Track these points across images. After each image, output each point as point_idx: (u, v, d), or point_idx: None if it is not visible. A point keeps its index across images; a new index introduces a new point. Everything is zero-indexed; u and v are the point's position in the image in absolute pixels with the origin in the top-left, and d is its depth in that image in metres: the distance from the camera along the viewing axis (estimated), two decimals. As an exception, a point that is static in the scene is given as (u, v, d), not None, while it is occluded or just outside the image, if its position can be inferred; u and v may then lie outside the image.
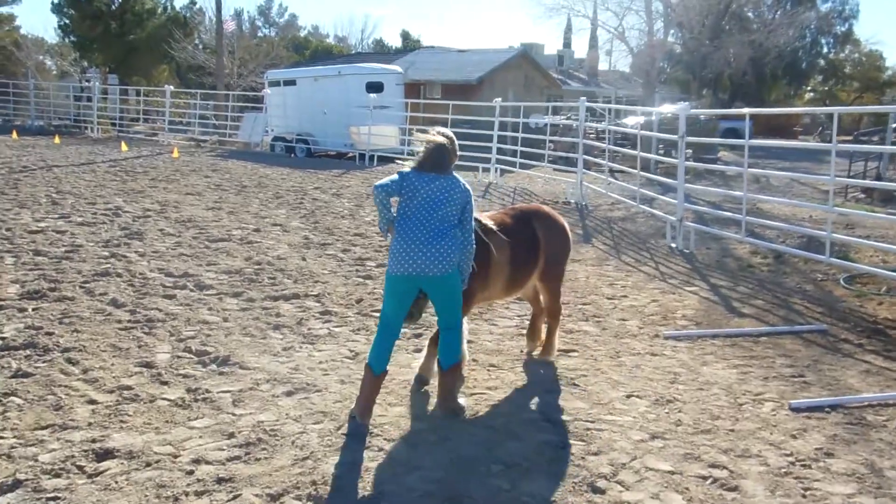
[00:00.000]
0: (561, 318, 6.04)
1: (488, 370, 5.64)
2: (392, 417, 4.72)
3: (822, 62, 51.83)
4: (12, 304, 6.73)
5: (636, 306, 7.82)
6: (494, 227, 5.13)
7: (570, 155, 20.44)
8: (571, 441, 4.43)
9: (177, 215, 11.67)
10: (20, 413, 4.50)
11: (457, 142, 4.76)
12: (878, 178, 20.35)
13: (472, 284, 4.89)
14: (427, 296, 4.67)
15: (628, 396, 5.16)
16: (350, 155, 23.95)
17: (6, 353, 5.50)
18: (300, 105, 25.32)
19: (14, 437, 4.20)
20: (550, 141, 24.12)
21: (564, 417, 4.75)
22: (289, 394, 5.01)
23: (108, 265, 8.29)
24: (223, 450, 4.18)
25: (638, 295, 8.31)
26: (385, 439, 4.40)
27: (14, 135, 24.84)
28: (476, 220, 4.97)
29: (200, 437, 4.32)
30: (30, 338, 5.79)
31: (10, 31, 44.66)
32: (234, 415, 4.62)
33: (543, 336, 5.96)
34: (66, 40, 43.80)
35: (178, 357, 5.59)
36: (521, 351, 6.13)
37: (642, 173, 13.69)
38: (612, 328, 6.97)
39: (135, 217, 11.33)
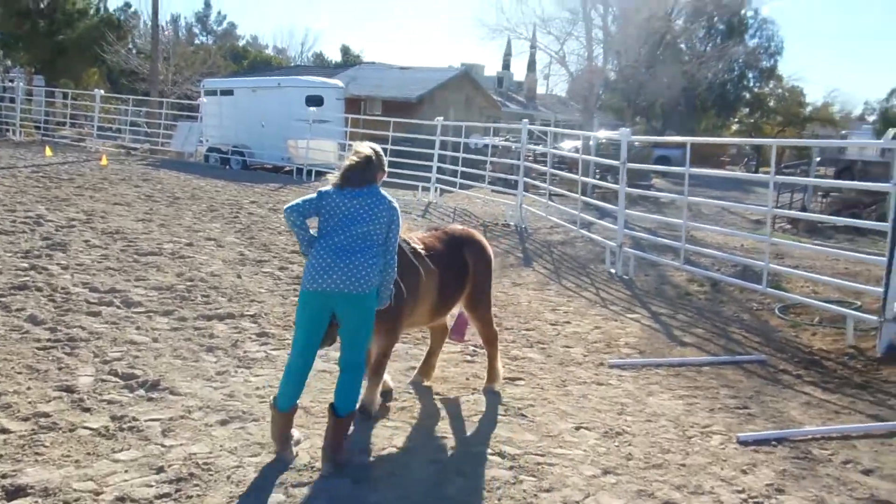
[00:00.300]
0: (501, 344, 5.99)
1: (433, 399, 5.45)
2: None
3: (748, 95, 53.77)
4: (-82, 318, 6.21)
5: (580, 333, 7.77)
6: (422, 251, 4.96)
7: (510, 177, 20.58)
8: (522, 477, 4.27)
9: (104, 226, 11.12)
10: None
11: (384, 157, 4.50)
12: (804, 209, 21.16)
13: (400, 308, 4.68)
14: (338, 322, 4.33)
15: (577, 428, 5.05)
16: (287, 169, 23.50)
17: None
18: (237, 116, 24.77)
19: None
20: (490, 162, 24.32)
21: (513, 451, 4.59)
22: (223, 423, 4.71)
23: (28, 278, 7.78)
24: (151, 486, 3.87)
25: (581, 321, 8.28)
26: (325, 475, 4.15)
27: (-72, 134, 23.49)
28: (405, 241, 4.84)
29: (125, 471, 3.99)
30: (-64, 357, 5.32)
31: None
32: (163, 446, 4.30)
33: (433, 369, 5.81)
34: (-10, 38, 41.90)
35: (103, 381, 5.21)
36: (467, 378, 5.97)
37: (582, 198, 13.80)
38: (557, 355, 6.88)
39: (58, 227, 10.74)
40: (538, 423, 5.09)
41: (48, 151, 21.75)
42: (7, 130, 28.01)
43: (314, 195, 4.31)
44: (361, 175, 4.32)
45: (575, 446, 4.74)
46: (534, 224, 15.37)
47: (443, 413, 5.17)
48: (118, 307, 7.06)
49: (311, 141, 22.06)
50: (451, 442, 4.66)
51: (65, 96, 31.26)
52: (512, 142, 29.14)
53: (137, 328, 6.48)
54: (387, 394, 5.27)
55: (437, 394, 5.56)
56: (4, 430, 4.33)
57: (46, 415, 4.56)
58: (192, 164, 23.46)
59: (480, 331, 5.67)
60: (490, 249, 5.67)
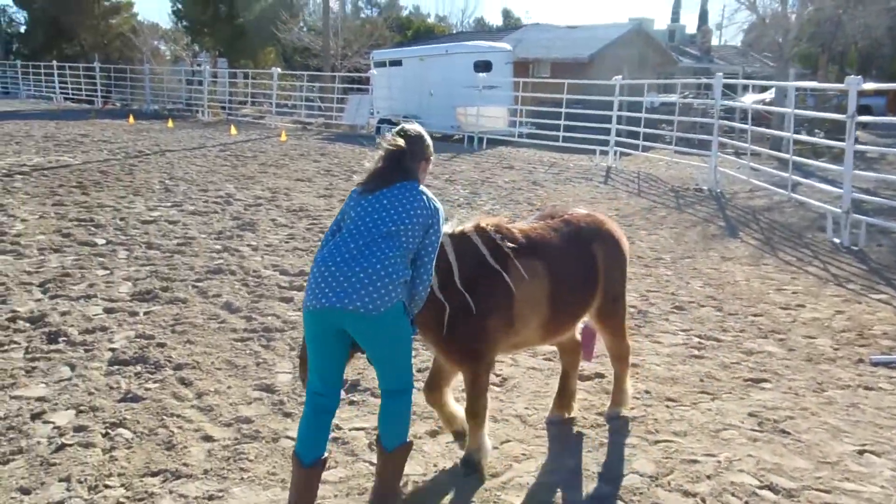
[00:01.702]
0: (728, 334, 4.86)
1: (667, 406, 4.63)
2: (562, 472, 3.79)
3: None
4: (124, 306, 6.21)
5: (820, 319, 6.59)
6: (515, 250, 3.68)
7: (698, 136, 18.95)
8: (809, 522, 3.39)
9: (288, 203, 11.12)
10: (129, 452, 3.85)
11: (427, 140, 3.51)
12: None
13: (481, 325, 3.54)
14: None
15: (860, 452, 4.05)
16: (456, 137, 23.11)
17: (116, 368, 4.91)
18: (406, 86, 24.65)
19: (122, 485, 3.54)
20: (667, 122, 22.62)
21: (787, 483, 3.69)
22: (433, 434, 4.17)
23: (221, 261, 7.73)
24: (363, 514, 3.38)
25: (816, 304, 7.07)
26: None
27: (130, 119, 25.29)
28: (496, 231, 3.70)
29: (335, 495, 3.53)
30: (141, 350, 5.20)
31: (128, 18, 45.99)
32: (371, 464, 3.81)
33: (574, 397, 4.44)
34: (179, 25, 44.81)
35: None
36: (700, 378, 5.09)
37: (794, 158, 12.18)
38: (800, 348, 5.80)
39: (246, 205, 10.84)
40: (807, 444, 4.13)
41: (233, 130, 22.69)
42: (196, 112, 29.74)
43: (339, 213, 3.42)
44: (391, 174, 3.35)
45: (867, 479, 3.75)
46: (729, 188, 13.88)
47: (683, 426, 4.34)
48: (309, 292, 6.78)
49: (481, 108, 21.48)
50: (704, 466, 3.84)
51: (245, 76, 32.71)
52: (692, 98, 27.09)
53: (330, 316, 6.13)
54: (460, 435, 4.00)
55: (671, 399, 4.72)
56: (208, 438, 4.03)
57: (248, 420, 4.23)
58: (365, 137, 23.63)
59: (609, 345, 4.35)
60: (626, 243, 4.35)
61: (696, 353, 5.60)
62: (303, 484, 3.23)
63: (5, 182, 11.79)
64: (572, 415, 4.40)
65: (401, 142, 3.40)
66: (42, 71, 37.56)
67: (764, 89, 24.09)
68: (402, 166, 3.37)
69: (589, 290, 4.02)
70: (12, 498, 3.39)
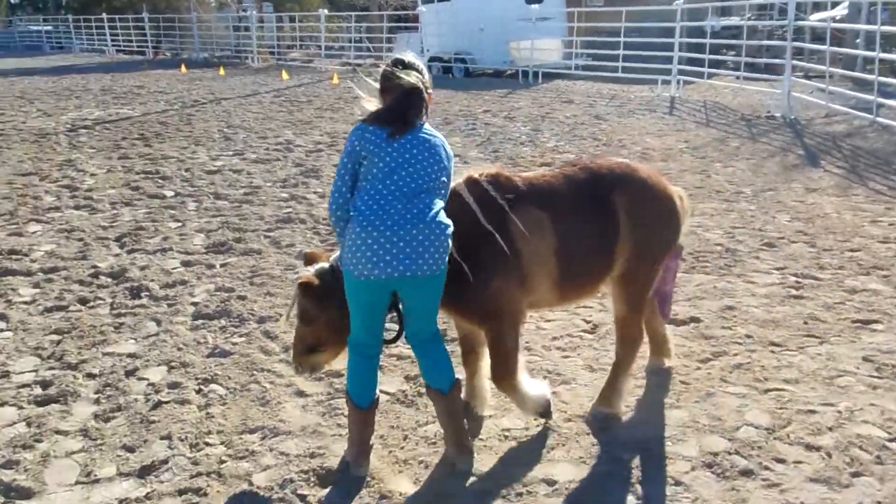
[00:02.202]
0: (826, 272, 4.14)
1: (772, 351, 4.39)
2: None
3: None
4: (200, 258, 6.18)
5: (923, 253, 6.19)
6: (505, 201, 3.27)
7: (765, 60, 18.02)
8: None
9: (349, 148, 10.95)
10: (225, 409, 3.81)
11: (427, 72, 3.21)
12: None
13: (507, 286, 3.26)
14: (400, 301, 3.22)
15: None
16: (509, 72, 22.51)
17: (201, 323, 4.88)
18: (456, 22, 23.97)
19: (222, 443, 3.50)
20: (731, 47, 21.55)
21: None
22: (529, 384, 4.03)
23: (290, 209, 7.65)
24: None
25: (917, 236, 6.65)
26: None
27: (182, 68, 25.31)
28: (491, 182, 3.32)
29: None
30: (222, 303, 5.16)
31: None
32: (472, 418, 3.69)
33: (668, 343, 4.13)
34: (222, -30, 44.44)
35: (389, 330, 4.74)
36: (804, 321, 4.81)
37: (880, 78, 11.45)
38: (908, 285, 5.46)
39: (307, 152, 10.72)
40: (935, 392, 3.86)
41: (284, 75, 22.51)
42: (246, 58, 29.60)
43: (346, 157, 3.07)
44: (415, 115, 3.10)
45: None
46: (804, 114, 13.19)
47: (793, 373, 4.11)
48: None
49: (535, 41, 20.80)
50: (821, 418, 3.61)
51: (291, 20, 32.33)
52: (754, 19, 25.73)
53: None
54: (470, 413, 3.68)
55: (775, 344, 4.48)
56: (301, 393, 3.96)
57: (339, 374, 4.13)
58: (417, 76, 23.19)
59: (617, 316, 3.67)
60: (669, 193, 3.61)
61: (794, 292, 5.31)
62: (363, 424, 3.27)
63: (71, 137, 11.89)
64: (671, 362, 4.18)
65: (415, 79, 3.10)
66: (93, 24, 37.79)
67: (835, 6, 22.72)
68: (423, 104, 3.15)
69: (607, 245, 3.43)
70: (118, 456, 3.38)
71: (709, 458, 3.31)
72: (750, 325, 4.76)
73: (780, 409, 3.70)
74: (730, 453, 3.34)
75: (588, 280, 3.51)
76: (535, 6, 21.60)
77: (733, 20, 26.18)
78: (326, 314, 3.26)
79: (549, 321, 4.87)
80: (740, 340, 4.52)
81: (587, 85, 19.37)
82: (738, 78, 17.37)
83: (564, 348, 4.48)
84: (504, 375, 3.38)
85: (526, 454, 3.39)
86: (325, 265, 3.32)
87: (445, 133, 11.98)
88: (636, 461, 3.31)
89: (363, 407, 3.22)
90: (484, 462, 3.33)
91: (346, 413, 3.35)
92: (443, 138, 3.18)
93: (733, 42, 19.54)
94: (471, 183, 3.34)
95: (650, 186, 3.53)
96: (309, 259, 3.44)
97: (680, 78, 17.31)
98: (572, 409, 3.77)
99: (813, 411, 3.66)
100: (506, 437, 3.53)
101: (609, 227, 3.41)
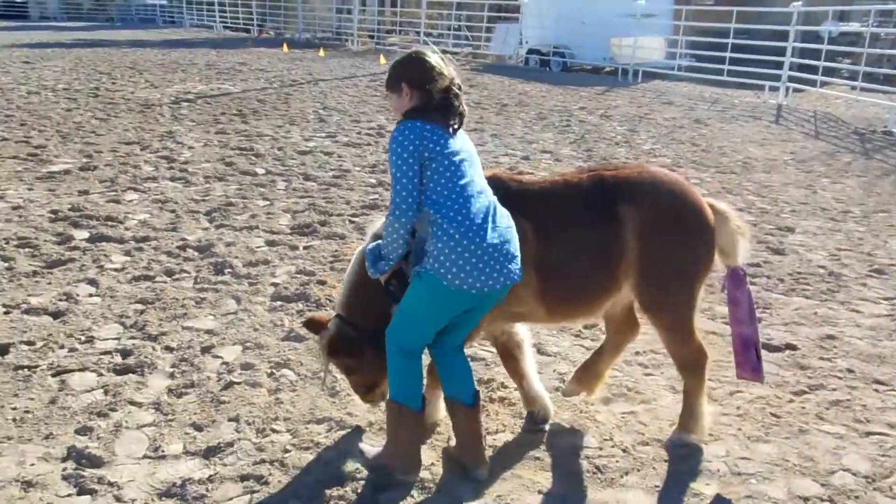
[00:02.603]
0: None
1: (876, 390, 4.05)
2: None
3: None
4: (284, 239, 6.23)
5: None
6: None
7: (884, 71, 16.95)
8: None
9: (440, 137, 10.88)
10: (294, 395, 3.79)
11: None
12: None
13: None
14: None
15: None
16: (608, 69, 21.97)
17: (279, 304, 4.90)
18: (558, 14, 23.54)
19: (288, 430, 3.47)
20: (847, 54, 20.35)
21: None
22: (606, 401, 3.84)
23: (376, 195, 7.64)
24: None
25: None
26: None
27: (284, 48, 25.86)
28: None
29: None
30: (302, 286, 5.17)
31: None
32: (543, 431, 3.54)
33: (601, 378, 3.72)
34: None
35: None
36: (913, 360, 4.43)
37: None
38: None
39: (398, 138, 10.71)
40: None
41: (382, 60, 22.66)
42: (346, 40, 30.00)
43: (408, 157, 2.81)
44: (461, 107, 3.00)
45: None
46: (926, 132, 12.32)
47: (883, 414, 3.78)
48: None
49: (638, 38, 20.21)
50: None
51: (393, 4, 32.53)
52: (877, 27, 24.25)
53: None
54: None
55: (879, 383, 4.13)
56: (371, 387, 3.91)
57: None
58: (513, 68, 22.98)
59: (666, 346, 3.39)
60: (697, 205, 3.18)
61: (901, 325, 4.91)
62: (417, 427, 3.16)
63: (173, 109, 12.28)
64: (593, 396, 3.78)
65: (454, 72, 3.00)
66: (204, 1, 39.09)
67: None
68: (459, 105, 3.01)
69: (606, 261, 3.13)
70: (186, 434, 3.40)
71: (798, 503, 3.06)
72: (852, 358, 4.42)
73: (883, 455, 3.40)
74: (822, 500, 3.08)
75: (582, 297, 3.24)
76: (641, 2, 21.00)
77: (853, 26, 24.80)
78: (366, 359, 3.25)
79: (632, 334, 4.65)
80: (840, 374, 4.20)
81: (689, 87, 18.71)
82: (853, 88, 16.40)
83: (647, 365, 4.27)
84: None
85: (598, 476, 3.22)
86: (335, 321, 3.28)
87: (539, 129, 11.85)
88: (714, 495, 3.09)
89: (419, 408, 3.09)
90: (555, 481, 3.18)
91: (392, 421, 3.13)
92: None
93: (851, 49, 18.45)
94: None
95: (670, 197, 3.16)
96: (314, 326, 3.33)
97: (790, 85, 16.52)
98: (650, 432, 3.57)
99: (920, 461, 3.34)
100: (577, 455, 3.37)
101: (610, 241, 3.12)
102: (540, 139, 11.07)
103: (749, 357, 3.38)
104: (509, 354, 3.53)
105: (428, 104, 2.92)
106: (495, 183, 3.12)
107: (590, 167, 3.34)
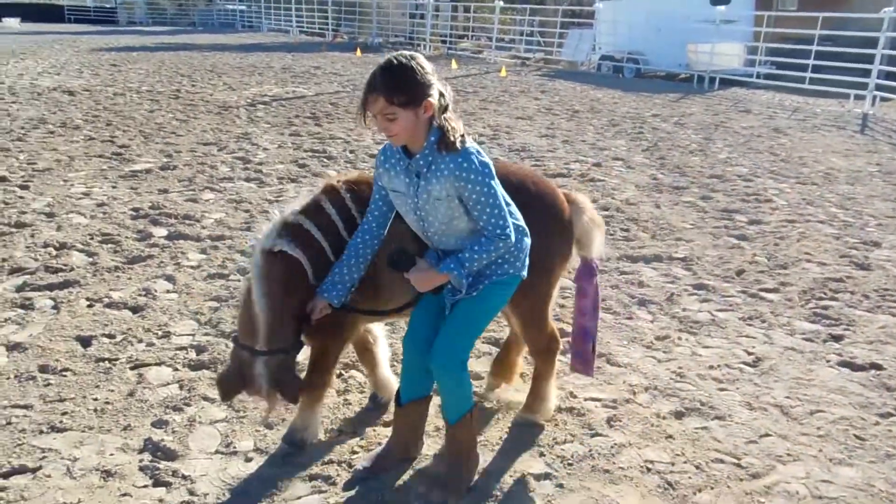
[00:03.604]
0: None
1: (969, 416, 3.82)
2: (839, 483, 3.22)
3: None
4: (354, 241, 6.29)
5: None
6: (357, 213, 3.08)
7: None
8: None
9: (510, 142, 10.85)
10: (362, 397, 3.81)
11: None
12: None
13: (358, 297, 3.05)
14: None
15: None
16: (682, 76, 21.49)
17: (347, 305, 4.94)
18: (633, 20, 23.19)
19: (355, 432, 3.49)
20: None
21: None
22: (678, 415, 3.74)
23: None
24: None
25: None
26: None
27: (358, 52, 26.24)
28: (349, 190, 3.09)
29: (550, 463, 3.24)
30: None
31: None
32: (614, 444, 3.46)
33: (514, 368, 3.82)
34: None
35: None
36: None
37: None
38: None
39: (468, 143, 10.71)
40: None
41: (454, 64, 22.78)
42: (418, 45, 30.25)
43: (496, 180, 2.75)
44: None
45: None
46: None
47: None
48: (534, 239, 6.49)
49: (715, 44, 19.70)
50: None
51: (466, 10, 32.62)
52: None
53: (558, 268, 5.80)
54: None
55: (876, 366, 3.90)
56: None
57: (478, 377, 4.04)
58: (586, 74, 22.74)
59: (522, 334, 3.45)
60: (550, 195, 3.26)
61: None
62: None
63: (250, 111, 12.60)
64: (512, 384, 3.85)
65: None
66: (282, 5, 40.07)
67: None
68: None
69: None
70: (257, 431, 3.46)
71: (883, 531, 2.91)
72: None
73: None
74: (910, 530, 2.91)
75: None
76: (721, 7, 20.48)
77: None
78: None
79: (706, 347, 4.52)
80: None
81: (768, 95, 18.14)
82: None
83: (721, 380, 4.13)
84: (317, 385, 3.27)
85: (670, 493, 3.13)
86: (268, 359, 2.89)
87: (611, 135, 11.68)
88: (795, 521, 2.97)
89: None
90: (624, 495, 3.10)
91: (468, 433, 3.08)
92: None
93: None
94: (330, 191, 3.09)
95: (524, 189, 3.16)
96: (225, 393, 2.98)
97: (877, 94, 15.82)
98: (724, 448, 3.45)
99: None
100: (648, 469, 3.28)
101: None
102: (612, 146, 10.91)
103: (586, 349, 3.52)
104: (365, 347, 3.62)
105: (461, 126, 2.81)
106: (364, 192, 3.05)
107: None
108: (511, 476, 3.19)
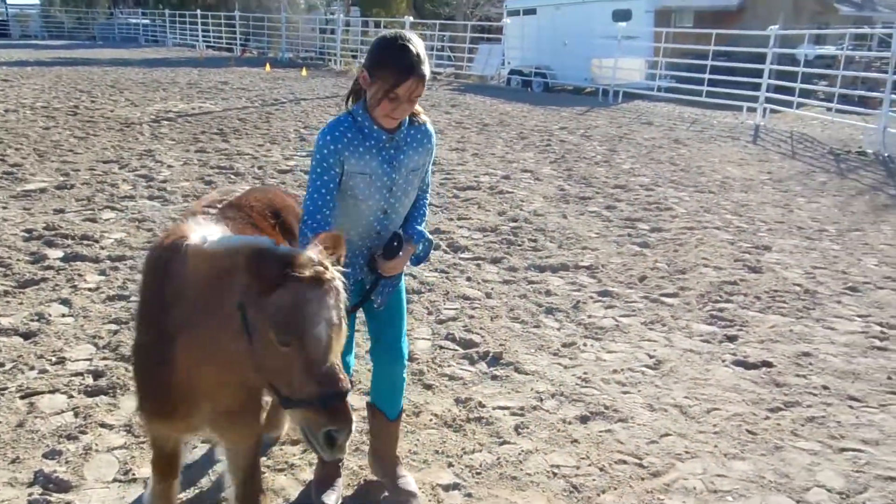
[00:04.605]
0: None
1: (850, 406, 4.07)
2: None
3: None
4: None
5: None
6: None
7: (859, 93, 17.23)
8: None
9: (421, 156, 10.90)
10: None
11: (382, 43, 2.64)
12: None
13: None
14: None
15: None
16: (589, 90, 22.17)
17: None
18: (539, 35, 23.81)
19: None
20: (823, 76, 20.69)
21: None
22: (583, 420, 3.84)
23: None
24: (512, 507, 3.11)
25: None
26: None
27: (267, 67, 25.87)
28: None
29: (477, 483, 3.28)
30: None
31: (265, -34, 47.02)
32: (521, 451, 3.52)
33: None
34: (314, -26, 45.38)
35: (441, 348, 4.62)
36: (889, 377, 4.47)
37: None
38: None
39: (379, 157, 10.71)
40: None
41: (364, 80, 22.71)
42: (329, 61, 30.08)
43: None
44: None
45: None
46: (898, 152, 12.50)
47: (873, 433, 3.79)
48: (445, 251, 6.55)
49: (619, 59, 20.42)
50: (901, 485, 3.31)
51: (377, 25, 32.69)
52: (849, 50, 24.66)
53: (468, 279, 5.87)
54: None
55: (853, 399, 4.15)
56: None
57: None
58: (495, 88, 23.13)
59: None
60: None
61: (878, 343, 4.94)
62: None
63: (153, 128, 12.22)
64: (281, 433, 3.49)
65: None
66: (187, 19, 39.13)
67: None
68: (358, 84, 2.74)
69: None
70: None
71: (773, 520, 3.06)
72: (827, 375, 4.45)
73: (857, 472, 3.41)
74: (797, 517, 3.08)
75: None
76: (622, 24, 21.26)
77: (828, 49, 25.23)
78: None
79: (610, 352, 4.66)
80: (815, 391, 4.22)
81: (669, 107, 18.90)
82: (829, 110, 16.64)
83: (624, 383, 4.26)
84: None
85: (575, 496, 3.20)
86: None
87: (520, 148, 11.89)
88: (692, 515, 3.09)
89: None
90: (531, 500, 3.15)
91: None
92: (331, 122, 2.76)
93: (827, 72, 18.77)
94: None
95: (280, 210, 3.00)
96: None
97: (767, 106, 16.72)
98: (627, 450, 3.56)
99: (893, 478, 3.35)
100: (555, 474, 3.35)
101: None
102: (520, 158, 11.12)
103: None
104: None
105: None
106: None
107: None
108: (420, 489, 3.19)
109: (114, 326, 4.69)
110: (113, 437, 3.46)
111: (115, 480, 3.15)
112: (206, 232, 2.34)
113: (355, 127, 2.70)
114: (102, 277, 5.54)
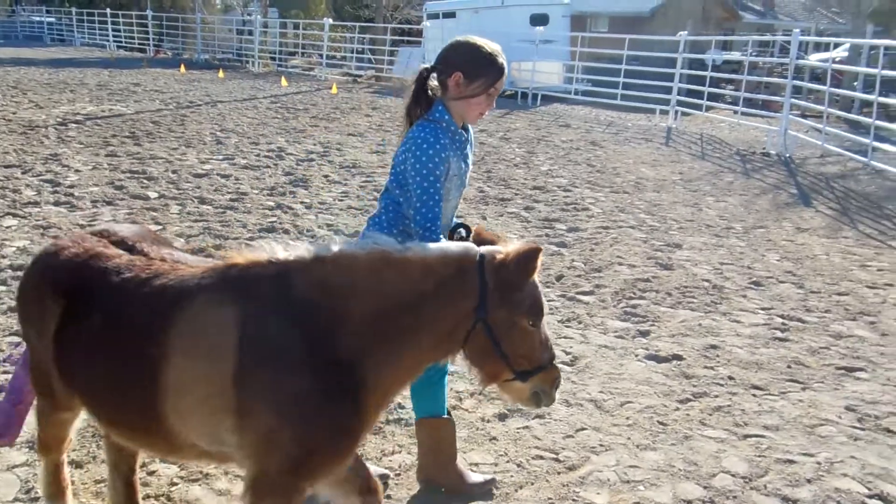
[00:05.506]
0: (813, 314, 3.99)
1: (753, 395, 4.27)
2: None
3: None
4: (176, 264, 6.02)
5: (912, 301, 6.11)
6: None
7: (763, 97, 18.05)
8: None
9: (340, 159, 10.84)
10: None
11: (475, 47, 2.84)
12: None
13: None
14: None
15: (978, 459, 3.65)
16: (509, 93, 22.48)
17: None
18: (459, 39, 23.99)
19: (177, 464, 3.34)
20: (730, 81, 21.61)
21: (898, 492, 3.34)
22: (502, 417, 3.90)
23: (275, 219, 7.51)
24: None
25: (906, 283, 6.57)
26: None
27: (182, 69, 25.20)
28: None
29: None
30: (193, 312, 5.00)
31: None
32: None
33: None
34: (230, -27, 44.49)
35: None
36: (788, 365, 4.70)
37: (878, 122, 11.45)
38: (894, 333, 5.36)
39: (298, 160, 10.59)
40: (916, 446, 3.75)
41: (283, 82, 22.42)
42: (247, 62, 29.54)
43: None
44: (412, 108, 2.92)
45: None
46: (798, 153, 13.16)
47: (774, 419, 3.99)
48: (365, 254, 6.53)
49: (537, 63, 20.79)
50: (800, 468, 3.49)
51: (295, 27, 32.31)
52: (755, 55, 25.81)
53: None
54: None
55: (757, 387, 4.36)
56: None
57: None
58: (416, 91, 23.15)
59: None
60: None
61: (779, 335, 5.20)
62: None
63: (60, 131, 11.73)
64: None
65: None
66: (96, 18, 37.70)
67: (836, 47, 22.88)
68: (423, 89, 2.83)
69: None
70: (63, 471, 3.21)
71: (682, 506, 3.18)
72: (733, 366, 4.65)
73: (759, 456, 3.58)
74: (704, 502, 3.21)
75: None
76: (539, 28, 21.64)
77: (734, 55, 26.33)
78: None
79: (527, 350, 4.74)
80: (722, 382, 4.41)
81: (585, 110, 19.36)
82: (735, 112, 17.37)
83: (541, 380, 4.34)
84: None
85: (493, 492, 3.25)
86: None
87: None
88: (606, 506, 3.18)
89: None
90: (451, 498, 3.18)
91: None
92: (422, 133, 2.74)
93: (733, 77, 19.59)
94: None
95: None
96: None
97: (678, 109, 17.32)
98: (544, 445, 3.64)
99: (792, 461, 3.54)
100: (474, 471, 3.39)
101: None
102: (441, 161, 11.18)
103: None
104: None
105: None
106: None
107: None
108: (339, 492, 3.17)
109: (15, 338, 4.48)
110: (14, 455, 3.30)
111: (15, 500, 3.02)
112: (377, 240, 2.31)
113: (449, 132, 2.80)
114: (3, 288, 5.29)
